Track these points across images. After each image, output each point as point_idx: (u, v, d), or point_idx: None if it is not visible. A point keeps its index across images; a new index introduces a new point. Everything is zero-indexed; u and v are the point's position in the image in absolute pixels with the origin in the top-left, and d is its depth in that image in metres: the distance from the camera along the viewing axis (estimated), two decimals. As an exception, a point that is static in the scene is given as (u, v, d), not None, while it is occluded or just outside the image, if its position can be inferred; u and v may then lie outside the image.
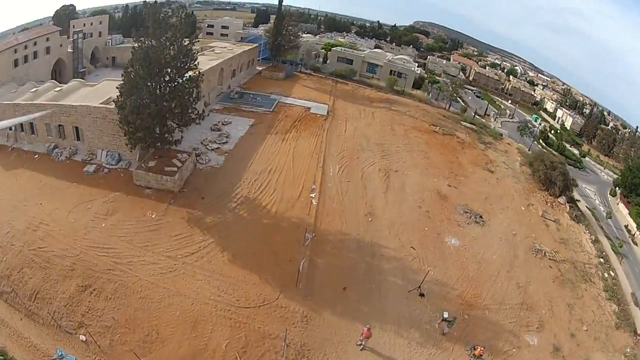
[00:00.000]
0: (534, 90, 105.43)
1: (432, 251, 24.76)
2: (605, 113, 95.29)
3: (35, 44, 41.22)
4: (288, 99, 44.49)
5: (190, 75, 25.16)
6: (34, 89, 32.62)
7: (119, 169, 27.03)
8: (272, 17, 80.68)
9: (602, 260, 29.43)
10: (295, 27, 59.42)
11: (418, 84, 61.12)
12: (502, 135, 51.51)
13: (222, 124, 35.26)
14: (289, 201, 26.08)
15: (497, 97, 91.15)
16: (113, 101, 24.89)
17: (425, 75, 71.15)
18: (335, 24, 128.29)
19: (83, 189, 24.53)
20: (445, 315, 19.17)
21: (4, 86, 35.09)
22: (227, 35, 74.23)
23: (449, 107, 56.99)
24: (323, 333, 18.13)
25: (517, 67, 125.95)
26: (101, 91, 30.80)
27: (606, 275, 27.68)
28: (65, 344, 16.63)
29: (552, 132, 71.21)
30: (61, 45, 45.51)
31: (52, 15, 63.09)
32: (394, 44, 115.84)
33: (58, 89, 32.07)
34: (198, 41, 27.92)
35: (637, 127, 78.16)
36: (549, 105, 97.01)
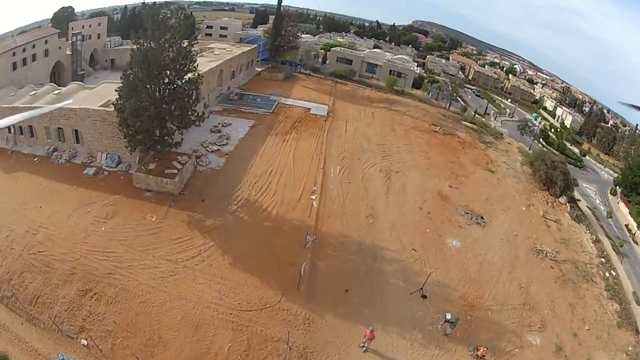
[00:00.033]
0: (534, 89, 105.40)
1: (434, 253, 24.70)
2: (605, 111, 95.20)
3: (33, 46, 41.16)
4: (288, 100, 44.42)
5: (189, 77, 25.07)
6: (33, 92, 32.57)
7: (119, 171, 26.96)
8: (271, 17, 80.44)
9: (603, 260, 29.40)
10: (295, 27, 59.37)
11: (418, 83, 61.10)
12: (502, 134, 51.48)
13: (222, 125, 35.18)
14: (289, 203, 26.01)
15: (496, 96, 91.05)
16: (112, 104, 24.81)
17: (425, 75, 71.13)
18: (334, 24, 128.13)
19: (83, 192, 24.46)
20: (448, 316, 19.16)
21: (3, 89, 35.06)
22: (226, 36, 74.14)
23: (449, 107, 56.96)
24: (326, 335, 18.07)
25: (516, 66, 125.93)
26: (100, 94, 30.72)
27: (607, 274, 27.65)
28: (66, 348, 16.55)
29: (552, 130, 71.15)
30: (60, 47, 45.45)
31: (50, 18, 62.85)
32: (393, 43, 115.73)
33: (57, 91, 32.01)
34: (197, 42, 27.76)
35: (637, 124, 78.05)
36: (549, 104, 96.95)
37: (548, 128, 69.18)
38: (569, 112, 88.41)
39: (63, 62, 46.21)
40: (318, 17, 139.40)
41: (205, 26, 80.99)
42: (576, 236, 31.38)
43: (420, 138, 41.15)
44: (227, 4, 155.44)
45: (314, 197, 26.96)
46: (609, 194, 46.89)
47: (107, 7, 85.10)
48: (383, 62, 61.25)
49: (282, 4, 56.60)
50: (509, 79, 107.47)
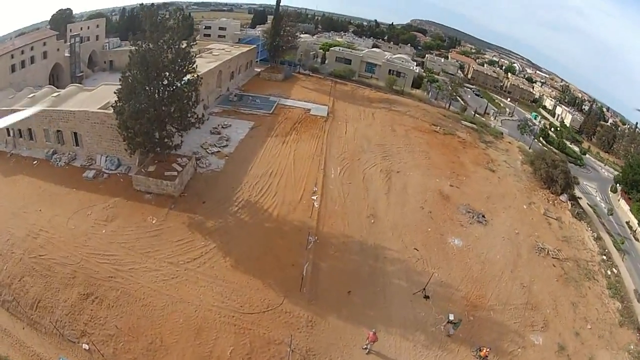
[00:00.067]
0: (533, 88, 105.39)
1: (436, 252, 24.64)
2: (605, 109, 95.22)
3: (32, 48, 41.07)
4: (287, 101, 44.33)
5: (188, 79, 24.94)
6: (32, 95, 32.45)
7: (119, 174, 26.85)
8: (270, 17, 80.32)
9: (604, 257, 29.37)
10: (293, 27, 59.24)
11: (417, 83, 61.04)
12: (502, 134, 51.40)
13: (222, 127, 35.07)
14: (290, 204, 25.93)
15: (496, 95, 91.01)
16: (111, 106, 24.69)
17: (424, 74, 71.05)
18: (332, 23, 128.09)
19: (82, 195, 24.34)
20: (451, 317, 19.08)
21: (2, 92, 34.92)
22: (224, 36, 74.09)
23: (449, 106, 56.91)
24: (328, 338, 17.99)
25: (515, 65, 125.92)
26: (99, 96, 30.59)
27: (609, 272, 27.62)
28: (68, 353, 16.47)
29: (552, 129, 71.18)
30: (58, 49, 45.36)
31: (49, 20, 62.82)
32: (391, 42, 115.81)
33: (56, 94, 31.87)
34: (196, 43, 27.65)
35: (637, 123, 78.10)
36: (548, 103, 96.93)
37: (548, 127, 69.18)
38: (569, 111, 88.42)
39: (62, 64, 46.11)
40: (316, 17, 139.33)
41: (204, 27, 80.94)
42: (577, 234, 31.35)
43: (421, 138, 41.09)
44: (226, 4, 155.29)
45: (314, 197, 26.88)
46: (610, 192, 46.96)
47: (105, 8, 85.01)
48: (382, 62, 61.18)
49: (281, 3, 56.52)
50: (508, 78, 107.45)
